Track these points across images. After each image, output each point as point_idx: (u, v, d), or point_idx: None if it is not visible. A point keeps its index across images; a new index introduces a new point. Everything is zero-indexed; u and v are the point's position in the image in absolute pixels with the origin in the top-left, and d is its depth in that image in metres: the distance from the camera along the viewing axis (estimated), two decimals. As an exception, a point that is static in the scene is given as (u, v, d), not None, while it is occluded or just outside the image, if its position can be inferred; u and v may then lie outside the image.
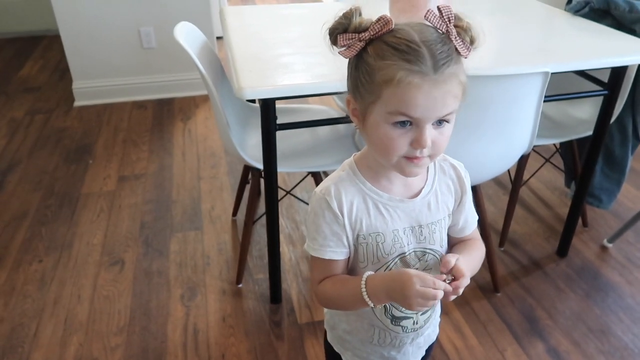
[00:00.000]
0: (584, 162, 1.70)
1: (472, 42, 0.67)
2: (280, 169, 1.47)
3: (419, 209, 0.78)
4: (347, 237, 0.76)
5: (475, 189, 1.55)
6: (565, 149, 2.04)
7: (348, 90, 0.73)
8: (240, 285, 1.74)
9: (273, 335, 1.57)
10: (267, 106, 1.30)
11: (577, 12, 1.80)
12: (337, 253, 0.77)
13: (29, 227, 2.01)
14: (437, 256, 0.81)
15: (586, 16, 1.77)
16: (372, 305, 0.72)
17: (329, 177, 0.79)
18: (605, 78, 1.54)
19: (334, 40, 0.68)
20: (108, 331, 1.58)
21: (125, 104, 3.00)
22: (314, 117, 1.80)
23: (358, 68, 0.68)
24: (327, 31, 0.68)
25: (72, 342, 1.54)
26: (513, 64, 1.38)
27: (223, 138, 1.58)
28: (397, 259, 0.78)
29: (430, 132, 0.67)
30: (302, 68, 1.39)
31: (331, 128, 1.79)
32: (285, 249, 1.90)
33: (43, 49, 3.84)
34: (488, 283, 1.72)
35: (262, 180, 1.57)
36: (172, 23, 1.56)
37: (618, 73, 1.51)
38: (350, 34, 0.67)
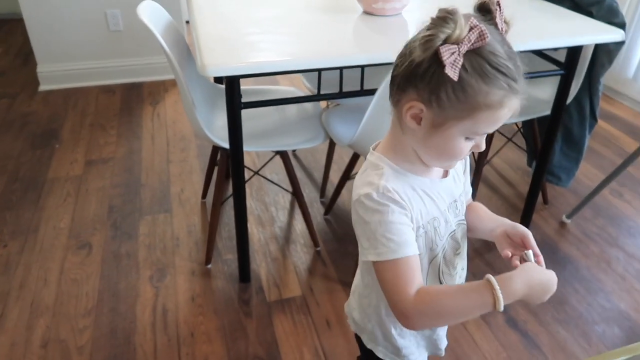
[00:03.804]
0: (543, 141, 1.76)
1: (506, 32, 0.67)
2: (247, 148, 1.47)
3: (451, 184, 0.79)
4: (413, 229, 0.72)
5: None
6: (527, 128, 2.10)
7: (402, 90, 0.66)
8: (209, 266, 1.75)
9: (242, 313, 1.59)
10: (232, 84, 1.31)
11: (537, -6, 1.84)
12: (415, 246, 0.70)
13: (-7, 212, 1.98)
14: (464, 224, 0.82)
15: (546, -2, 1.82)
16: (501, 309, 0.64)
17: (364, 180, 0.72)
18: (563, 59, 1.59)
19: (433, 52, 0.60)
20: (76, 313, 1.57)
21: (92, 88, 2.95)
22: (281, 97, 1.81)
23: (445, 82, 0.61)
24: (423, 41, 0.61)
25: (39, 325, 1.53)
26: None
27: (189, 117, 1.58)
28: (448, 238, 0.79)
29: None
30: (269, 47, 1.39)
31: (298, 109, 1.81)
32: (254, 229, 1.91)
33: (5, 34, 3.73)
34: (452, 259, 1.77)
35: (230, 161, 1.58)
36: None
37: (574, 53, 1.56)
38: (451, 46, 0.59)
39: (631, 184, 2.21)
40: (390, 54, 1.33)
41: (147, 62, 3.02)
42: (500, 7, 0.65)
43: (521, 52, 0.66)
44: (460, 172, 0.83)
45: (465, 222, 0.83)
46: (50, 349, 1.46)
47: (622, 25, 1.60)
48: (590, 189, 1.97)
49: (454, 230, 0.79)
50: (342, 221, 1.97)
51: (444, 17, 0.60)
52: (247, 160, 2.28)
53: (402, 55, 0.66)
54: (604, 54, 1.76)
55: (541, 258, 0.72)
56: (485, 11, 0.65)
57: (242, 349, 1.47)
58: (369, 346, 0.89)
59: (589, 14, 1.71)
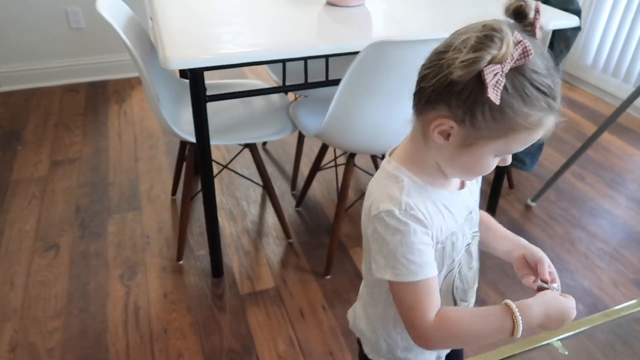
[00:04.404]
0: (507, 127, 1.80)
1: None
2: (214, 142, 1.47)
3: (467, 195, 0.77)
4: (433, 247, 0.70)
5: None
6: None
7: (432, 105, 0.62)
8: (181, 262, 1.74)
9: (215, 308, 1.58)
10: (196, 77, 1.30)
11: (496, -16, 1.88)
12: (435, 267, 0.68)
13: (-46, 217, 1.92)
14: (478, 236, 0.80)
15: (505, -12, 1.86)
16: (519, 336, 0.65)
17: (383, 192, 0.68)
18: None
19: (476, 74, 0.56)
20: (45, 316, 1.54)
21: (55, 88, 2.88)
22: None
23: (483, 102, 0.58)
24: (467, 62, 0.56)
25: (6, 330, 1.49)
26: (441, 31, 1.43)
27: (154, 112, 1.56)
28: (464, 252, 0.77)
29: None
30: (232, 39, 1.39)
31: (266, 101, 1.81)
32: (226, 224, 1.91)
33: (-39, 33, 3.60)
34: (422, 245, 1.81)
35: (197, 155, 1.57)
36: (100, 0, 1.51)
37: (532, 40, 1.60)
38: (495, 66, 0.56)
39: (592, 166, 2.29)
40: (354, 44, 1.35)
41: (111, 60, 2.96)
42: (539, 13, 0.60)
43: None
44: (474, 181, 0.79)
45: (478, 234, 0.80)
46: (19, 353, 1.43)
47: (577, 12, 1.65)
48: (553, 172, 2.03)
49: (469, 243, 0.78)
50: (314, 213, 1.98)
51: (491, 36, 0.56)
52: (216, 155, 2.27)
53: (434, 67, 0.61)
54: (562, 40, 1.82)
55: (555, 284, 0.73)
56: (520, 16, 0.60)
57: (216, 343, 1.47)
58: (370, 356, 0.87)
59: (545, 1, 1.76)
